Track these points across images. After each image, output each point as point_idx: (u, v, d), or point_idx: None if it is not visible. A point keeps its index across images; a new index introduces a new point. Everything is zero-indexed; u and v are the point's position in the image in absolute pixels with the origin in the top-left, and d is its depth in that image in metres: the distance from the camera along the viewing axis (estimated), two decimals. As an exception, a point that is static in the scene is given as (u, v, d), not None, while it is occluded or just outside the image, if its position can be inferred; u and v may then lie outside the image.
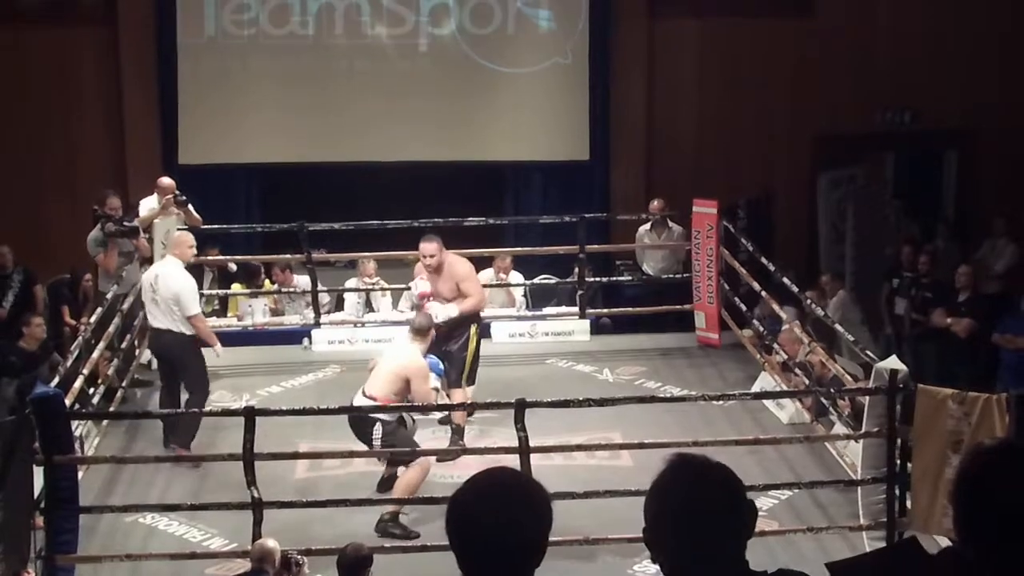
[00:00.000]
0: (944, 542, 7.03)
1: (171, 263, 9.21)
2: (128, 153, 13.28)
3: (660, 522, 2.26)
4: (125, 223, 10.49)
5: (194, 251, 9.48)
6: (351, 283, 11.86)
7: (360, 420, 7.96)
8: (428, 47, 13.51)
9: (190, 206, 10.84)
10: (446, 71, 13.53)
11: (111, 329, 9.61)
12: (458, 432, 8.81)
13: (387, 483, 8.25)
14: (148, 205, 10.88)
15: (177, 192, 10.72)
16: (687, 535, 2.23)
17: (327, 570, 6.63)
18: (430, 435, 9.05)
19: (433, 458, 8.19)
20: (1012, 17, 13.61)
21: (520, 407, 7.48)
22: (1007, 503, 2.09)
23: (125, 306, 10.05)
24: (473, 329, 9.10)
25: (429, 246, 8.97)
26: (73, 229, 12.55)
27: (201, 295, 11.72)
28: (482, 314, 9.43)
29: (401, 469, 8.00)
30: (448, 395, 8.68)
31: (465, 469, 7.33)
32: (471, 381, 9.11)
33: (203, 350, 9.17)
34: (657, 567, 2.29)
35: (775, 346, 10.11)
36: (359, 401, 8.02)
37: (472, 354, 9.07)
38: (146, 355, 10.67)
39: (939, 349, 11.00)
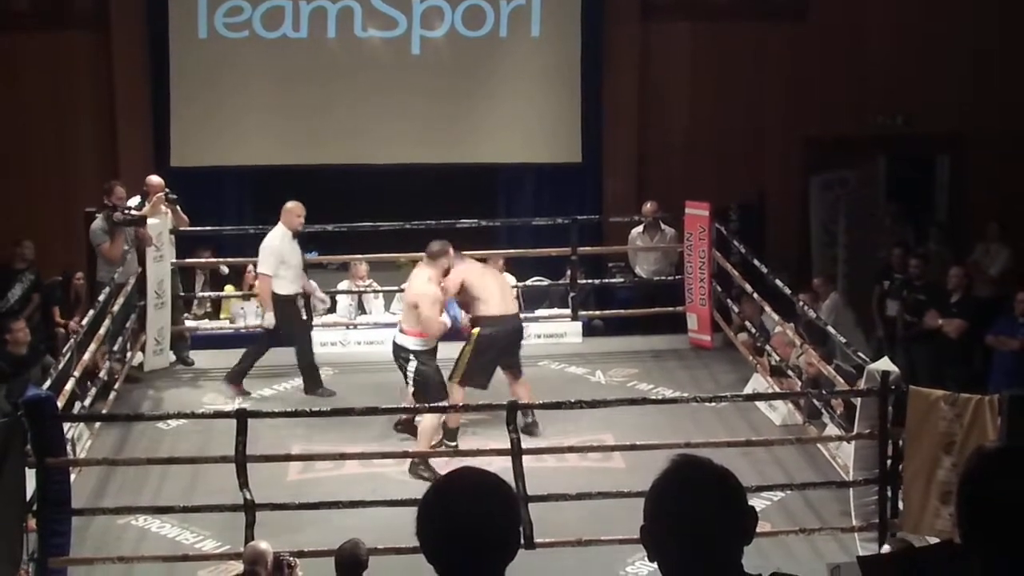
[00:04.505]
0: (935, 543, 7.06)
1: (277, 229, 9.97)
2: (120, 156, 13.23)
3: (659, 522, 2.26)
4: (133, 212, 10.54)
5: (301, 220, 9.97)
6: (343, 285, 11.85)
7: (398, 350, 8.66)
8: (421, 50, 13.50)
9: (178, 206, 10.86)
10: (439, 74, 13.52)
11: (102, 332, 9.58)
12: (449, 435, 8.78)
13: (405, 425, 8.98)
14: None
15: (167, 190, 10.74)
16: (685, 536, 2.24)
17: (320, 572, 6.61)
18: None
19: (444, 403, 8.52)
20: (1003, 22, 13.63)
21: (512, 409, 7.49)
22: (1011, 506, 2.10)
23: (115, 308, 10.01)
24: (475, 332, 8.91)
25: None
26: (65, 231, 12.55)
27: (193, 297, 11.80)
28: (493, 327, 8.96)
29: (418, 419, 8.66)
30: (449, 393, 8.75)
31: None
32: (463, 382, 8.92)
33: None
34: (652, 567, 2.29)
35: (767, 348, 10.13)
36: (396, 334, 8.72)
37: (464, 355, 8.88)
38: (138, 357, 10.66)
39: (931, 351, 11.02)
